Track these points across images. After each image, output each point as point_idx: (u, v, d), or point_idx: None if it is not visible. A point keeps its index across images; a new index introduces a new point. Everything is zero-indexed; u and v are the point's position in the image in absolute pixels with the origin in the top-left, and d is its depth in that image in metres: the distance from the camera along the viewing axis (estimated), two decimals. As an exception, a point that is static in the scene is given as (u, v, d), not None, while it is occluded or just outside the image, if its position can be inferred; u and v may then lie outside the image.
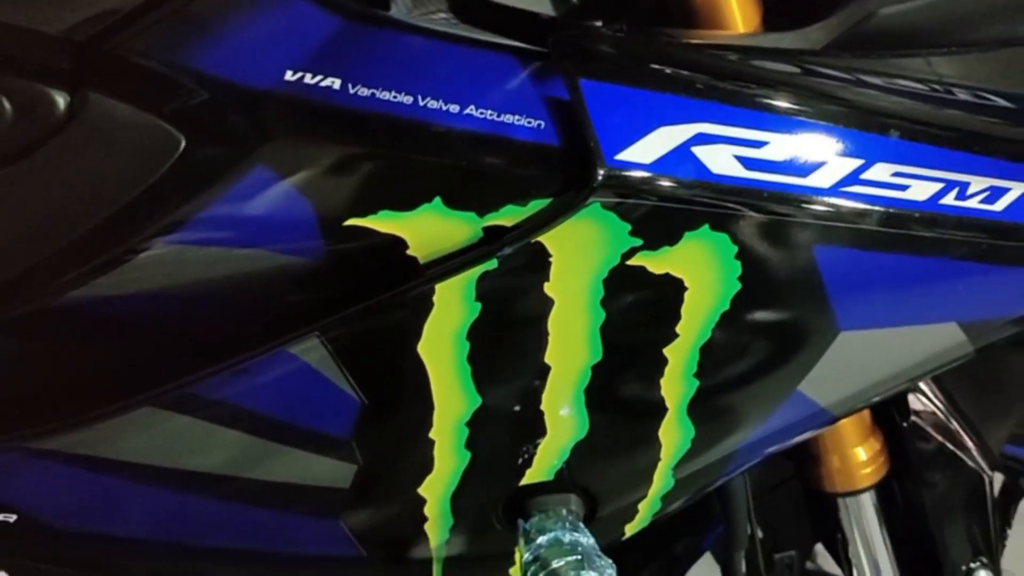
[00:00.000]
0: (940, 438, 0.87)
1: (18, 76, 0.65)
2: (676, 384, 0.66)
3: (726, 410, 0.68)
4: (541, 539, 0.65)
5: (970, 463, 0.88)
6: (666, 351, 0.65)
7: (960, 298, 0.67)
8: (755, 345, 0.66)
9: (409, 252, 0.63)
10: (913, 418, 0.86)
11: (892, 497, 0.90)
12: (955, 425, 0.88)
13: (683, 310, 0.64)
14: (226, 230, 0.63)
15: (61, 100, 0.65)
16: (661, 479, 0.70)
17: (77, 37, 0.65)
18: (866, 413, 0.86)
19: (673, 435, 0.68)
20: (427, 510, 0.69)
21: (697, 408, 0.67)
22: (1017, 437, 0.96)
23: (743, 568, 0.87)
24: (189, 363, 0.65)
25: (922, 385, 0.86)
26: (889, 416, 0.87)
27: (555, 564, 0.62)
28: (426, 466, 0.67)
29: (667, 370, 0.66)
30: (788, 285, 0.64)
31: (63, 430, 0.66)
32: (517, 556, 0.70)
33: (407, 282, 0.62)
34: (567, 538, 0.64)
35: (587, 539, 0.65)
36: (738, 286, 0.63)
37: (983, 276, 0.66)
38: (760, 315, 0.65)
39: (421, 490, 0.68)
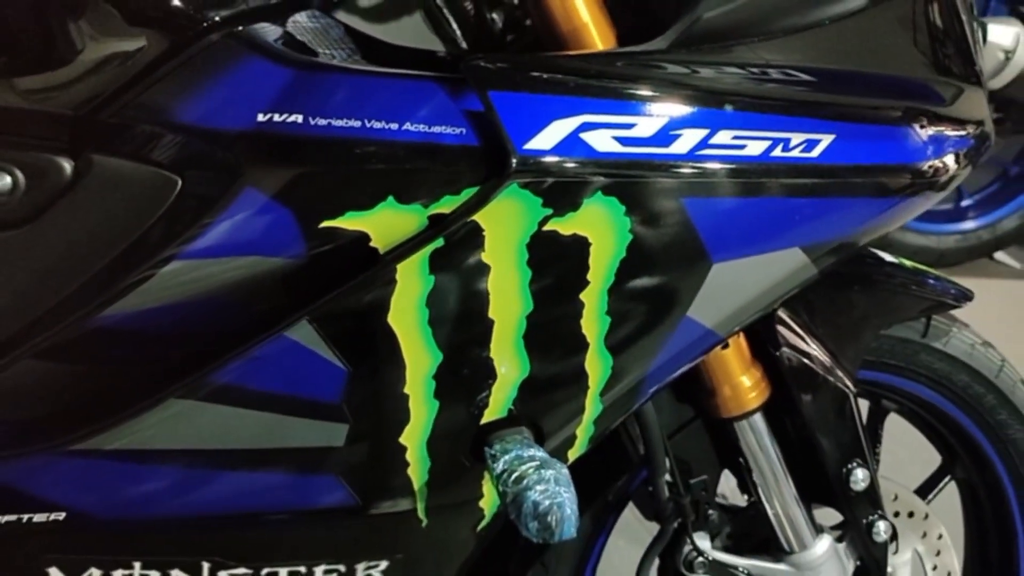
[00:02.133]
0: (807, 362, 1.06)
1: (27, 150, 0.80)
2: (593, 323, 0.84)
3: (635, 339, 0.86)
4: (506, 456, 0.81)
5: (834, 381, 1.07)
6: (582, 296, 0.83)
7: (798, 227, 0.86)
8: (649, 282, 0.84)
9: (372, 244, 0.80)
10: (783, 348, 1.05)
11: (778, 418, 1.08)
12: (817, 351, 1.07)
13: (590, 261, 0.82)
14: (224, 244, 0.78)
15: (67, 165, 0.80)
16: (592, 405, 0.87)
17: (76, 112, 0.80)
18: (745, 348, 1.04)
19: (596, 366, 0.86)
20: (408, 456, 0.85)
21: (612, 341, 0.85)
22: (868, 363, 1.16)
23: (665, 492, 1.04)
24: (202, 358, 0.80)
25: (787, 320, 1.06)
26: (764, 349, 1.06)
27: (521, 469, 0.79)
28: (403, 418, 0.83)
29: (584, 312, 0.84)
30: (668, 231, 0.83)
31: (101, 430, 0.80)
32: (487, 477, 0.86)
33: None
34: (526, 452, 0.81)
35: (541, 452, 0.81)
36: (630, 237, 0.82)
37: (812, 208, 0.86)
38: (650, 257, 0.83)
39: (402, 439, 0.84)
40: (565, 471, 0.80)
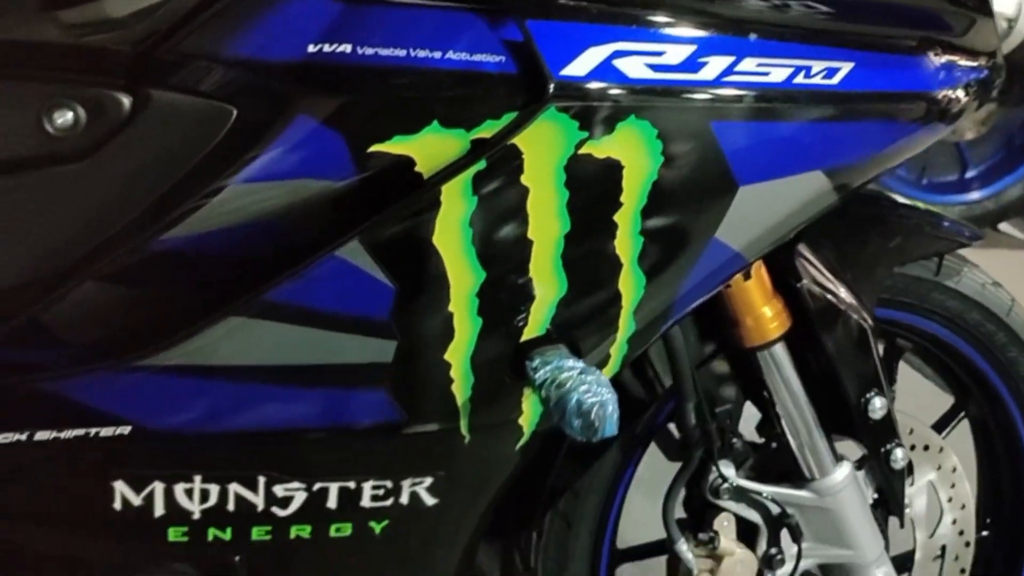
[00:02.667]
0: (827, 295, 1.10)
1: (88, 87, 0.84)
2: (626, 243, 0.89)
3: (666, 259, 0.90)
4: (546, 367, 0.86)
5: (853, 315, 1.12)
6: (615, 217, 0.88)
7: (819, 151, 0.91)
8: (679, 204, 0.89)
9: (417, 168, 0.84)
10: (804, 281, 1.09)
11: (798, 351, 1.13)
12: (836, 286, 1.12)
13: (624, 183, 0.87)
14: (277, 169, 0.83)
15: (126, 101, 0.84)
16: (625, 324, 0.92)
17: (134, 49, 0.84)
18: (767, 280, 1.09)
19: (630, 285, 0.90)
20: (452, 373, 0.89)
21: (645, 261, 0.90)
22: (883, 301, 1.21)
23: (692, 419, 1.09)
24: (257, 278, 0.85)
25: (808, 254, 1.10)
26: (785, 283, 1.10)
27: (562, 376, 0.83)
28: (448, 334, 0.88)
29: (618, 233, 0.88)
30: (696, 154, 0.87)
31: (162, 348, 0.85)
32: (527, 395, 0.91)
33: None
34: (566, 362, 0.86)
35: (580, 363, 0.86)
36: (661, 159, 0.86)
37: (833, 133, 0.91)
38: (680, 180, 0.88)
39: (446, 356, 0.88)
40: (604, 377, 0.84)
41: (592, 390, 0.81)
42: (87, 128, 0.85)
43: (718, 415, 1.11)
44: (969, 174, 3.14)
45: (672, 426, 1.22)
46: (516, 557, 1.19)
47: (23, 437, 0.85)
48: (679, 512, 1.18)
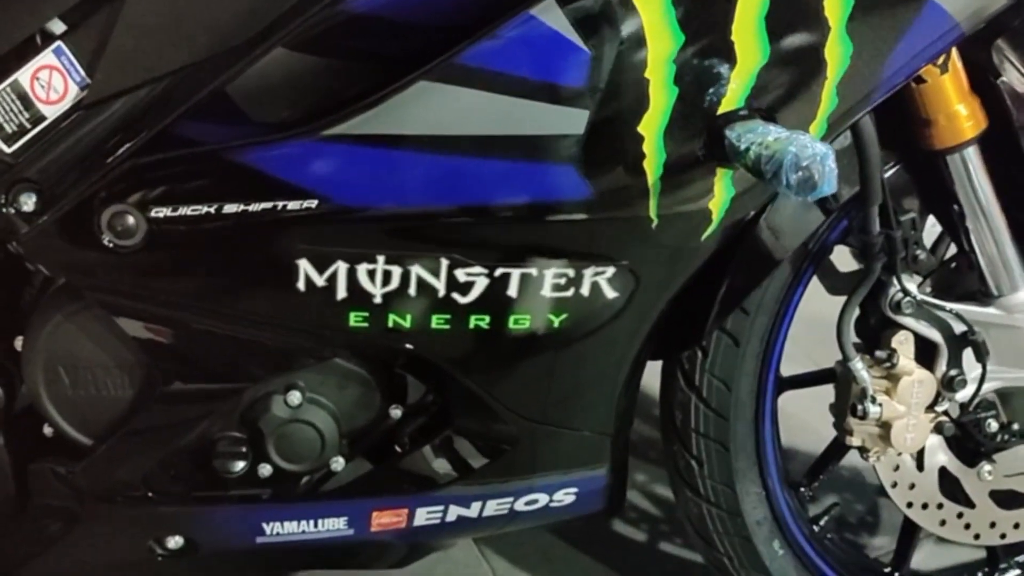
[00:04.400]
0: (1026, 95, 1.03)
1: None
2: (836, 4, 0.83)
3: (877, 24, 0.84)
4: (750, 134, 0.81)
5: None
6: (824, -23, 0.82)
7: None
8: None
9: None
10: (1004, 77, 1.02)
11: (993, 155, 1.06)
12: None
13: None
14: None
15: None
16: (828, 98, 0.87)
17: None
18: (963, 76, 1.02)
19: (836, 53, 0.85)
20: (645, 147, 0.85)
21: (854, 25, 0.84)
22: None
23: (877, 224, 1.03)
24: (449, 44, 0.81)
25: (1008, 51, 1.03)
26: (983, 81, 1.03)
27: (771, 138, 0.79)
28: (643, 104, 0.84)
29: (828, -8, 0.82)
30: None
31: (351, 115, 0.82)
32: (719, 175, 0.87)
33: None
34: (772, 127, 0.81)
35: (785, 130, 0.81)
36: None
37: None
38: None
39: (640, 128, 0.85)
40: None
41: (810, 146, 0.76)
42: None
43: (903, 223, 1.05)
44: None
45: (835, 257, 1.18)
46: (679, 376, 1.15)
47: (212, 210, 0.84)
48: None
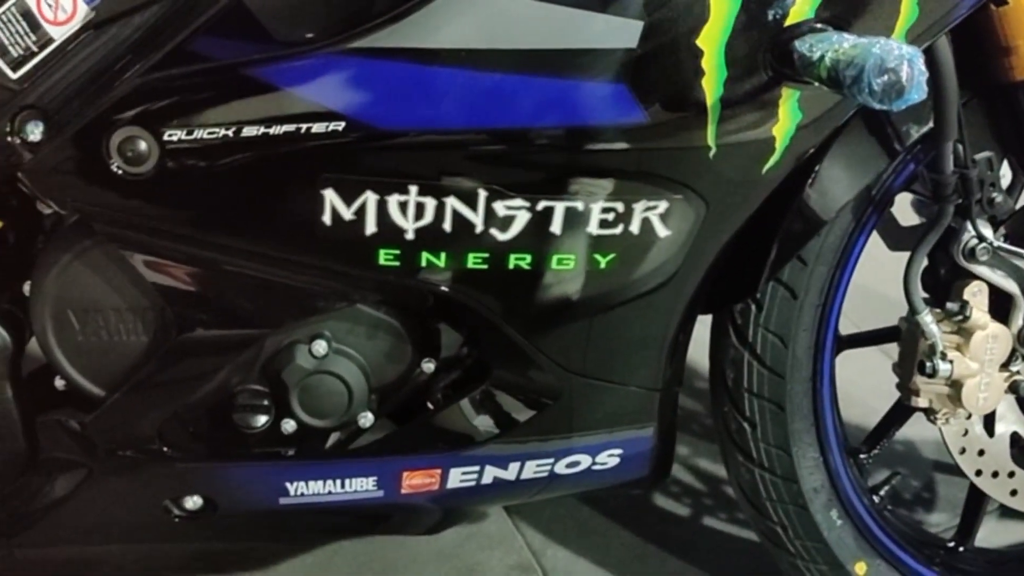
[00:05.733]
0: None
1: None
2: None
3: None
4: (823, 44, 0.73)
5: None
6: None
7: None
8: None
9: None
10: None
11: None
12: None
13: None
14: None
15: None
16: (908, 7, 0.79)
17: None
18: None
19: None
20: (704, 63, 0.78)
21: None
22: None
23: (951, 163, 0.95)
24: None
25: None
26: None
27: (848, 45, 0.70)
28: (703, 14, 0.76)
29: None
30: None
31: (382, 26, 0.75)
32: (784, 96, 0.79)
33: None
34: (848, 36, 0.73)
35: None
36: None
37: None
38: None
39: (699, 41, 0.77)
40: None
41: (895, 48, 0.68)
42: None
43: (978, 161, 0.97)
44: None
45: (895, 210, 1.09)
46: (731, 332, 1.07)
47: (230, 133, 0.78)
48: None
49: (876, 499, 1.18)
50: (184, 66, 0.77)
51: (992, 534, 1.36)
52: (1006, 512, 1.30)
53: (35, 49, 0.81)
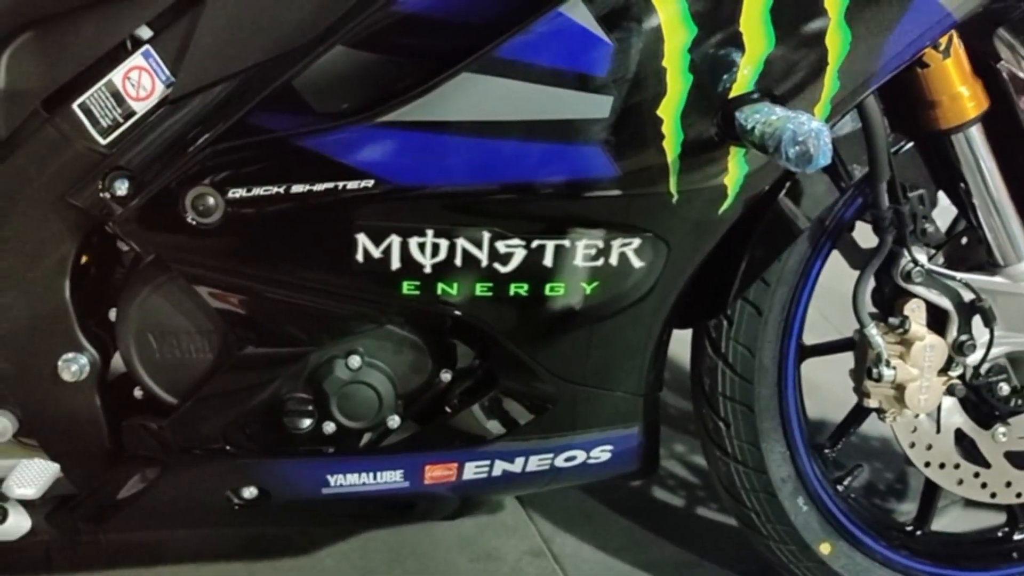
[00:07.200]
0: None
1: None
2: (834, -3, 0.92)
3: (873, 12, 0.93)
4: (756, 115, 0.91)
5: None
6: (822, -29, 0.91)
7: None
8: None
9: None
10: (1003, 61, 1.10)
11: (996, 135, 1.14)
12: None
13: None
14: None
15: None
16: (830, 83, 0.96)
17: None
18: (965, 60, 1.10)
19: (836, 40, 0.94)
20: (664, 128, 0.95)
21: (852, 14, 0.93)
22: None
23: (886, 199, 1.11)
24: (489, 40, 0.92)
25: (1008, 38, 1.11)
26: (984, 66, 1.11)
27: (774, 118, 0.88)
28: (661, 90, 0.93)
29: (826, -13, 0.92)
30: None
31: (403, 103, 0.93)
32: (732, 154, 0.96)
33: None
34: (776, 109, 0.90)
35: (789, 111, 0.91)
36: None
37: None
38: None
39: (659, 111, 0.94)
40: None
41: (807, 124, 0.86)
42: None
43: (911, 198, 1.14)
44: None
45: (855, 234, 1.26)
46: (707, 344, 1.24)
47: (281, 190, 0.95)
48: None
49: (841, 488, 1.34)
50: (244, 137, 0.95)
51: (957, 520, 1.52)
52: (969, 502, 1.46)
53: (120, 120, 0.98)
